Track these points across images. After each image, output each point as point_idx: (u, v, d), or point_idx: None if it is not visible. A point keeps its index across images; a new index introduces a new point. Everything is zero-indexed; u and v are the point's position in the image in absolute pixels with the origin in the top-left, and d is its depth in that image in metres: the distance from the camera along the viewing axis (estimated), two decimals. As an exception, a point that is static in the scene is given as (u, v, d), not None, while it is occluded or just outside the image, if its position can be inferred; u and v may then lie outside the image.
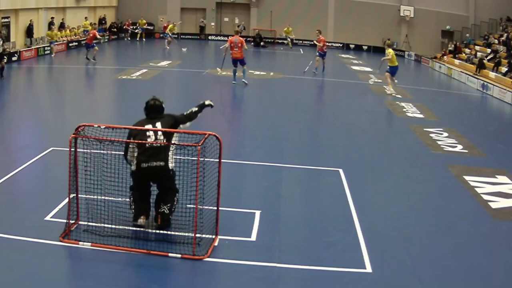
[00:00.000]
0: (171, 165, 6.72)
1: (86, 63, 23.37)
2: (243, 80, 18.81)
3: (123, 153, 6.80)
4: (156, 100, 7.08)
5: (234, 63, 18.89)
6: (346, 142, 12.48)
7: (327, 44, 24.83)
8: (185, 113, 7.26)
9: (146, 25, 37.87)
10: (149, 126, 6.73)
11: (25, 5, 26.15)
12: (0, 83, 18.02)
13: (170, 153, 6.71)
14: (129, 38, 36.97)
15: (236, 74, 19.09)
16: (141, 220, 6.83)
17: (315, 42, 23.76)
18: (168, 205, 6.82)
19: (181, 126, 7.07)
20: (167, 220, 6.85)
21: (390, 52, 19.52)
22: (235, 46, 18.54)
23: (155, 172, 6.65)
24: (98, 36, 25.07)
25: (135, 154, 6.67)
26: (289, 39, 36.72)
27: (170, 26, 33.23)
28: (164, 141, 6.66)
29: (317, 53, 23.14)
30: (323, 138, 13.00)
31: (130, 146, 6.68)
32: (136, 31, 37.29)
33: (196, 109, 7.20)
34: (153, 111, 6.96)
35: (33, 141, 11.19)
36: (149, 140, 6.61)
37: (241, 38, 18.99)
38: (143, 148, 6.62)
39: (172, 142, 6.73)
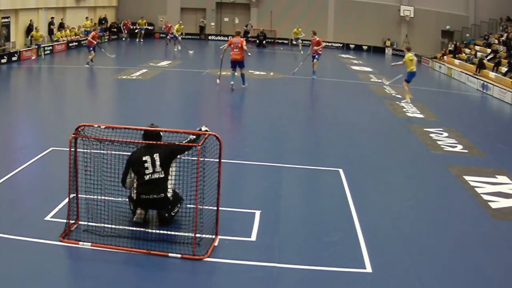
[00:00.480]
0: (169, 193, 6.85)
1: (91, 65, 22.08)
2: (243, 85, 17.78)
3: (121, 178, 6.95)
4: (154, 129, 7.00)
5: (232, 65, 17.59)
6: (346, 142, 12.48)
7: (323, 44, 22.95)
8: (183, 142, 6.95)
9: (146, 25, 37.42)
10: (147, 157, 6.67)
11: (25, 5, 26.15)
12: (0, 83, 18.00)
13: (168, 183, 6.81)
14: (127, 38, 36.61)
15: (235, 75, 17.76)
16: (139, 215, 6.92)
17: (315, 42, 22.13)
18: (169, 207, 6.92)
19: (178, 156, 6.90)
20: (169, 219, 6.93)
21: (408, 56, 17.55)
22: (235, 47, 17.22)
23: (155, 204, 6.84)
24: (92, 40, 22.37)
25: (135, 185, 6.81)
26: (300, 42, 34.60)
27: (177, 26, 31.74)
28: (162, 173, 6.70)
29: (314, 56, 21.57)
30: (323, 138, 13.00)
31: (128, 177, 6.84)
32: (136, 31, 36.75)
33: (194, 137, 6.90)
34: (151, 138, 6.79)
35: (33, 141, 11.19)
36: (147, 172, 6.65)
37: (241, 39, 17.64)
38: (143, 181, 6.67)
39: (170, 173, 6.81)
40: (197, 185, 6.64)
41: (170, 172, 6.81)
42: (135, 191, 6.82)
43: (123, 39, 36.68)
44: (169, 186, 6.83)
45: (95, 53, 22.49)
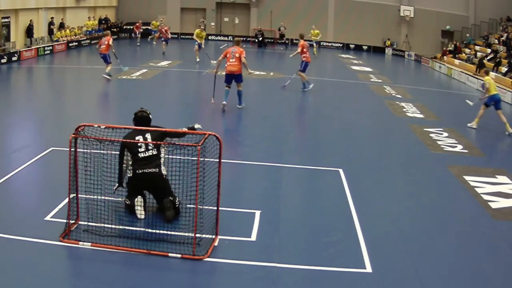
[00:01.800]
0: (163, 171, 7.07)
1: (106, 80, 18.66)
2: (238, 106, 14.73)
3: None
4: (144, 112, 7.52)
5: (227, 79, 14.32)
6: (346, 142, 12.48)
7: (310, 46, 20.09)
8: (174, 130, 7.33)
9: (159, 27, 35.99)
10: (139, 137, 7.01)
11: (25, 5, 26.17)
12: (0, 83, 18.01)
13: (161, 160, 7.09)
14: (138, 43, 33.15)
15: (229, 92, 14.62)
16: (140, 211, 7.02)
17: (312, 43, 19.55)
18: (170, 198, 6.99)
19: (167, 139, 7.20)
20: (174, 208, 6.96)
21: (487, 79, 14.62)
22: (231, 57, 14.14)
23: (150, 179, 6.96)
24: (110, 43, 18.66)
25: (130, 163, 7.08)
26: (315, 45, 31.18)
27: (198, 31, 31.31)
28: (155, 151, 7.03)
29: (300, 66, 18.35)
30: (323, 138, 13.00)
31: (124, 155, 7.11)
32: (150, 34, 34.32)
33: (185, 129, 7.26)
34: (141, 122, 7.33)
35: (33, 141, 11.19)
36: (140, 150, 6.98)
37: (241, 49, 14.41)
38: (137, 158, 6.98)
39: (161, 152, 7.15)
40: (197, 185, 6.64)
41: (162, 153, 7.10)
42: (131, 170, 7.04)
43: (137, 44, 32.96)
44: (162, 166, 7.04)
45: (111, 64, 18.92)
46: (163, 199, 7.02)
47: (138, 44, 32.95)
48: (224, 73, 14.54)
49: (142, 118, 7.37)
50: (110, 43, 18.57)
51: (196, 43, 24.94)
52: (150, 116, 7.48)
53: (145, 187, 7.10)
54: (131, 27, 37.32)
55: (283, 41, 37.89)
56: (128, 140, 6.92)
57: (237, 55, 14.16)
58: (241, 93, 14.65)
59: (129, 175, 7.11)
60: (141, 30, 34.48)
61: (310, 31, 31.37)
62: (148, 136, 7.02)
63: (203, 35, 25.19)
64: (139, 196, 7.09)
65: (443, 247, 7.03)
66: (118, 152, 7.10)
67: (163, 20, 33.98)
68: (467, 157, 11.53)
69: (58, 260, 6.17)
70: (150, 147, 6.97)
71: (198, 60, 24.86)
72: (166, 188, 7.06)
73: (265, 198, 8.38)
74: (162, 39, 29.41)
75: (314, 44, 31.13)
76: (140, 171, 6.93)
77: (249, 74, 15.19)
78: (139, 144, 6.97)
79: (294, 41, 35.65)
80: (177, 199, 7.09)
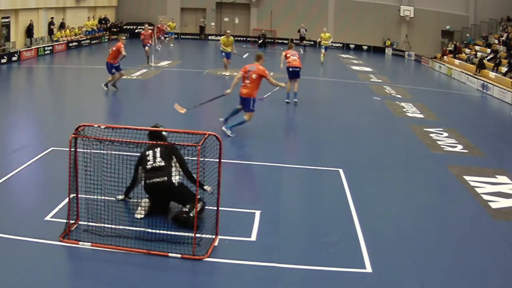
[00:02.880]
0: (175, 179, 7.00)
1: (105, 91, 16.60)
2: (229, 131, 11.62)
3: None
4: (156, 127, 7.51)
5: (242, 101, 11.79)
6: (346, 142, 12.48)
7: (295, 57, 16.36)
8: (187, 166, 7.25)
9: (176, 28, 35.01)
10: (149, 152, 7.13)
11: (25, 5, 26.17)
12: (0, 83, 18.01)
13: (173, 169, 7.06)
14: (159, 47, 29.43)
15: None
16: (139, 211, 7.10)
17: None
18: (187, 206, 6.90)
19: (175, 160, 7.18)
20: (187, 218, 6.83)
21: None
22: (247, 78, 11.53)
23: (159, 187, 7.00)
24: (123, 52, 16.17)
25: (142, 175, 7.21)
26: (323, 51, 27.87)
27: (170, 23, 31.72)
28: (163, 162, 7.08)
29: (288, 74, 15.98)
30: (323, 138, 12.99)
31: (138, 174, 7.28)
32: (167, 39, 32.18)
33: (194, 177, 6.99)
34: (154, 136, 7.34)
35: (33, 141, 11.19)
36: (149, 163, 7.09)
37: (261, 67, 11.67)
38: (146, 170, 7.12)
39: (173, 164, 7.13)
40: (197, 185, 6.64)
41: (173, 164, 7.10)
42: (143, 179, 7.18)
43: (158, 50, 28.72)
44: (174, 175, 7.01)
45: (118, 72, 16.52)
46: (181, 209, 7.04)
47: (159, 48, 29.32)
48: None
49: (155, 137, 7.37)
50: (121, 51, 16.07)
51: (223, 54, 20.94)
52: (165, 133, 7.53)
53: (156, 197, 7.13)
54: (132, 27, 37.29)
55: (302, 43, 34.74)
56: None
57: (253, 76, 11.47)
58: (242, 123, 11.75)
59: (142, 184, 7.25)
60: (166, 35, 32.00)
61: (320, 34, 28.59)
62: (157, 150, 7.13)
63: (231, 41, 20.85)
64: (146, 199, 7.14)
65: (443, 247, 7.03)
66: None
67: (163, 20, 33.90)
68: (467, 157, 11.53)
69: (58, 260, 6.17)
70: (157, 159, 7.07)
71: (227, 74, 20.75)
72: (182, 196, 7.00)
73: (265, 198, 8.38)
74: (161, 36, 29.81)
75: (323, 50, 27.92)
76: (148, 182, 7.05)
77: (261, 99, 12.84)
78: (148, 158, 7.11)
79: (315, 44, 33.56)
80: (191, 212, 6.87)
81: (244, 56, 22.60)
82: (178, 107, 11.61)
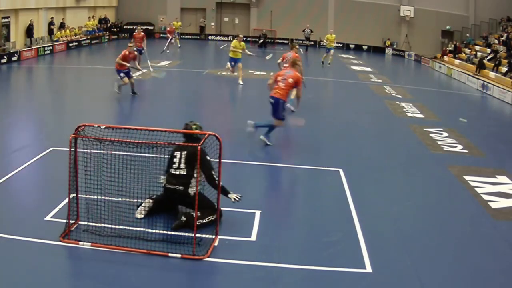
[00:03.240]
0: (192, 190, 6.88)
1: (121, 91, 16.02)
2: (264, 138, 11.12)
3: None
4: (192, 125, 7.26)
5: (273, 105, 10.97)
6: (346, 142, 12.48)
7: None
8: (215, 174, 6.90)
9: (181, 28, 33.64)
10: (177, 153, 7.02)
11: (25, 5, 26.17)
12: (0, 83, 18.01)
13: (192, 180, 6.93)
14: (168, 50, 28.04)
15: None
16: (139, 211, 7.13)
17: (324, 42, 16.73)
18: (191, 212, 6.84)
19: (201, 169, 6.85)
20: (184, 223, 6.81)
21: None
22: (281, 81, 10.81)
23: (175, 194, 6.98)
24: (132, 67, 16.02)
25: (165, 175, 7.20)
26: (331, 55, 26.42)
27: (175, 22, 31.24)
28: (185, 171, 6.93)
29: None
30: (323, 138, 12.99)
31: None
32: (172, 41, 29.60)
33: (215, 183, 6.88)
34: (187, 135, 7.13)
35: (33, 141, 11.19)
36: (174, 166, 7.01)
37: (298, 74, 11.08)
38: (169, 173, 7.06)
39: (194, 174, 6.91)
40: (197, 185, 6.64)
41: (195, 173, 6.90)
42: (165, 179, 7.16)
43: (167, 51, 27.88)
44: (192, 185, 6.90)
45: (128, 79, 15.82)
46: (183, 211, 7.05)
47: (168, 51, 28.14)
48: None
49: (187, 136, 7.14)
50: (119, 61, 15.41)
51: (232, 60, 18.79)
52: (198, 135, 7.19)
53: (168, 201, 7.14)
54: (132, 27, 37.18)
55: (305, 44, 34.12)
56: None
57: (290, 80, 10.73)
58: (270, 129, 11.08)
59: (162, 183, 7.20)
60: (175, 36, 30.61)
61: (325, 36, 27.32)
62: (184, 154, 6.98)
63: (243, 46, 18.90)
64: (150, 199, 7.15)
65: (443, 247, 7.03)
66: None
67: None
68: (467, 157, 11.53)
69: (58, 260, 6.17)
70: (182, 165, 6.96)
71: (241, 83, 18.90)
72: (199, 204, 6.76)
73: (265, 198, 8.38)
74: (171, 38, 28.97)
75: (332, 51, 26.53)
76: (168, 186, 7.03)
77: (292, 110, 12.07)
78: (174, 160, 7.03)
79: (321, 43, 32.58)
80: (208, 218, 6.86)
81: (268, 57, 21.86)
82: (295, 120, 11.11)
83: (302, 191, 9.14)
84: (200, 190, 6.93)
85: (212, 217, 6.90)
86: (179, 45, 31.31)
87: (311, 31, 34.64)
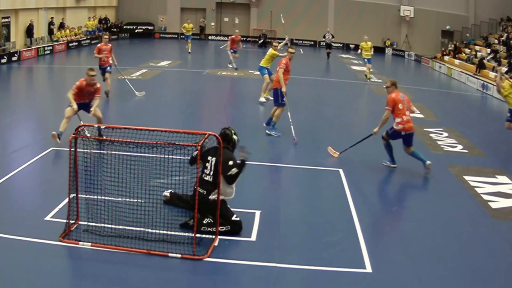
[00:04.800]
0: (213, 196, 6.87)
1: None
2: (426, 166, 9.98)
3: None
4: (227, 130, 7.28)
5: (396, 136, 10.10)
6: (346, 142, 12.46)
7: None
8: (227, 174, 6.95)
9: (193, 30, 30.33)
10: (210, 158, 6.98)
11: (25, 5, 26.18)
12: (0, 83, 18.01)
13: (212, 188, 6.90)
14: (233, 64, 23.43)
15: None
16: (164, 196, 7.41)
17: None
18: (205, 221, 6.84)
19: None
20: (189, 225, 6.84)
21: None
22: (406, 108, 9.83)
23: (198, 197, 6.89)
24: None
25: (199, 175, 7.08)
26: (368, 65, 22.51)
27: (186, 25, 28.45)
28: (211, 178, 6.91)
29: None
30: (323, 138, 12.99)
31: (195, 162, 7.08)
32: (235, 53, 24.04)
33: (231, 180, 7.00)
34: (223, 140, 7.00)
35: (33, 141, 11.19)
36: (206, 171, 6.98)
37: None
38: (201, 177, 6.96)
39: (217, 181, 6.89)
40: (197, 185, 6.64)
41: (221, 180, 6.84)
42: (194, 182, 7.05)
43: (234, 67, 23.21)
44: (215, 192, 6.84)
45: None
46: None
47: (233, 66, 23.31)
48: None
49: (223, 136, 7.10)
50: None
51: (265, 70, 15.85)
52: (234, 137, 7.25)
53: (193, 201, 7.04)
54: (132, 27, 37.17)
55: (328, 50, 30.22)
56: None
57: (407, 104, 9.83)
58: (418, 156, 10.07)
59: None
60: (240, 46, 24.41)
61: (360, 43, 22.92)
62: (213, 161, 6.95)
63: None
64: (166, 193, 7.45)
65: (443, 247, 7.03)
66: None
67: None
68: (467, 157, 11.53)
69: (58, 260, 6.17)
70: (212, 171, 6.93)
71: (263, 100, 16.11)
72: (209, 211, 6.85)
73: (265, 198, 8.38)
74: (232, 50, 23.18)
75: (368, 65, 22.50)
76: (195, 186, 6.93)
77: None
78: (206, 165, 6.98)
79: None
80: (212, 227, 6.84)
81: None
82: (331, 150, 10.98)
83: (302, 191, 9.14)
84: (215, 198, 6.84)
85: (224, 228, 6.84)
86: (190, 51, 28.59)
87: (333, 36, 30.63)
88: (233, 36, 23.14)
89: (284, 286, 5.87)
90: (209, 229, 6.80)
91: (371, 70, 23.19)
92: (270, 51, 15.67)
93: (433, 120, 15.42)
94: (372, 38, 38.19)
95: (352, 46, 39.14)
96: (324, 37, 30.83)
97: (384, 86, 10.42)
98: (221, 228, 6.83)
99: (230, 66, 23.24)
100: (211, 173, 6.94)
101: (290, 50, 12.51)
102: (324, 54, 30.87)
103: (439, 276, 6.23)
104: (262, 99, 16.03)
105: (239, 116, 15.06)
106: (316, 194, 8.94)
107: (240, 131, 12.40)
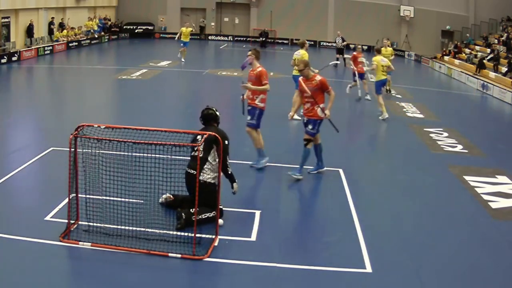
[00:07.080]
0: (203, 177, 6.86)
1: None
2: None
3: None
4: (209, 109, 7.51)
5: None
6: (346, 142, 12.47)
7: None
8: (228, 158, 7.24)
9: (193, 30, 28.08)
10: (199, 137, 7.06)
11: (25, 5, 26.17)
12: (0, 83, 18.01)
13: (205, 166, 6.97)
14: (183, 60, 24.06)
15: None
16: (164, 199, 7.41)
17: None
18: (192, 210, 6.76)
19: (214, 149, 7.01)
20: (184, 221, 6.81)
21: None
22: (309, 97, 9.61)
23: (188, 179, 7.01)
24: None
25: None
26: (388, 77, 16.69)
27: (184, 29, 24.47)
28: (201, 153, 6.87)
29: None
30: (323, 138, 12.96)
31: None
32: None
33: (228, 173, 7.25)
34: (206, 119, 7.41)
35: (33, 141, 11.19)
36: (195, 148, 7.00)
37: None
38: (190, 155, 7.14)
39: (209, 158, 6.99)
40: (197, 185, 6.63)
41: (211, 160, 6.98)
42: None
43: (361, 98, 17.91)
44: (205, 172, 6.93)
45: None
46: (183, 208, 7.00)
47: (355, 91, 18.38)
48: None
49: (207, 116, 7.42)
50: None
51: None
52: (217, 113, 7.52)
53: (187, 187, 7.14)
54: (132, 27, 37.01)
55: (339, 55, 27.28)
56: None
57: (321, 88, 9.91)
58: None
59: None
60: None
61: (380, 48, 17.47)
62: (199, 137, 7.05)
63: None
64: (169, 195, 7.34)
65: (443, 247, 7.03)
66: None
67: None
68: (467, 157, 11.53)
69: (58, 260, 6.17)
70: (200, 148, 6.90)
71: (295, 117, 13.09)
72: (203, 196, 6.61)
73: (265, 198, 8.38)
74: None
75: (388, 76, 16.82)
76: (186, 169, 7.06)
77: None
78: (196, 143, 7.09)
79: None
80: (205, 214, 6.86)
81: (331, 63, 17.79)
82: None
83: (302, 191, 9.13)
84: (206, 181, 6.88)
85: (210, 214, 6.88)
86: (183, 60, 24.75)
87: (343, 40, 27.39)
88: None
89: (284, 286, 5.87)
90: (199, 216, 6.72)
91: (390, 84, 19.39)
92: (302, 52, 13.58)
93: (433, 120, 15.42)
94: (372, 38, 38.52)
95: (352, 46, 39.12)
96: (336, 41, 27.84)
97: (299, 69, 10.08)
98: (204, 215, 6.85)
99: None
100: (200, 149, 6.88)
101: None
102: (324, 55, 30.87)
103: (439, 276, 6.22)
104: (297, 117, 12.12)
105: (239, 116, 15.06)
106: (316, 194, 8.94)
107: (240, 131, 12.40)
